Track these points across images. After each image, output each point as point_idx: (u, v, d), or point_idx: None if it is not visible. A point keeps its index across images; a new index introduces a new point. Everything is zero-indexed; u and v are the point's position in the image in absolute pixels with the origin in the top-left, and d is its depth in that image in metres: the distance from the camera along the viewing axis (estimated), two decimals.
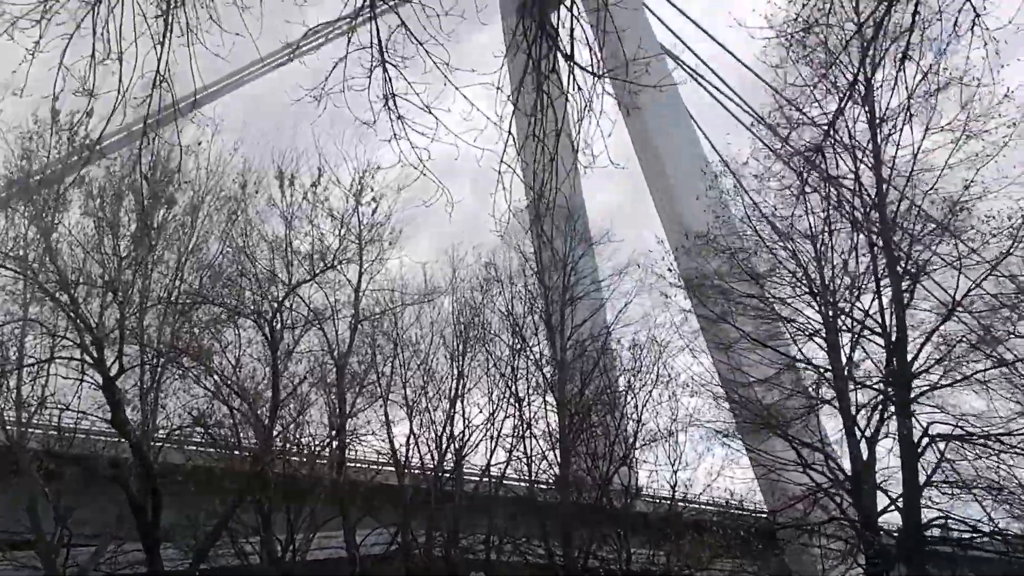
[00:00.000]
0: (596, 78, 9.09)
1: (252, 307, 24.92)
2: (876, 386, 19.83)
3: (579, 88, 8.56)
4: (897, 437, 20.02)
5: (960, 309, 17.81)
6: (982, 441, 19.79)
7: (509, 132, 9.40)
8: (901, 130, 17.02)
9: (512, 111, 9.40)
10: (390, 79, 9.32)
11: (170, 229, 23.38)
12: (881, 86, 17.08)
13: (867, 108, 17.64)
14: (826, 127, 16.69)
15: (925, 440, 20.12)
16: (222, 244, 24.89)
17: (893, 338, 18.57)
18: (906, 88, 14.32)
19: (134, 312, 22.03)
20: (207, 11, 8.07)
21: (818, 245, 20.58)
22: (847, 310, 21.54)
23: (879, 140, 17.70)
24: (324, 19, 9.05)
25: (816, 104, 16.94)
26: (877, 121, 17.56)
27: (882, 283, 18.29)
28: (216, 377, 24.40)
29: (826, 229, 19.87)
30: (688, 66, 41.38)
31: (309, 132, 26.08)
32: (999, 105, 17.69)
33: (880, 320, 18.40)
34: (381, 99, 9.30)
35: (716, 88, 39.30)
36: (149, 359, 22.99)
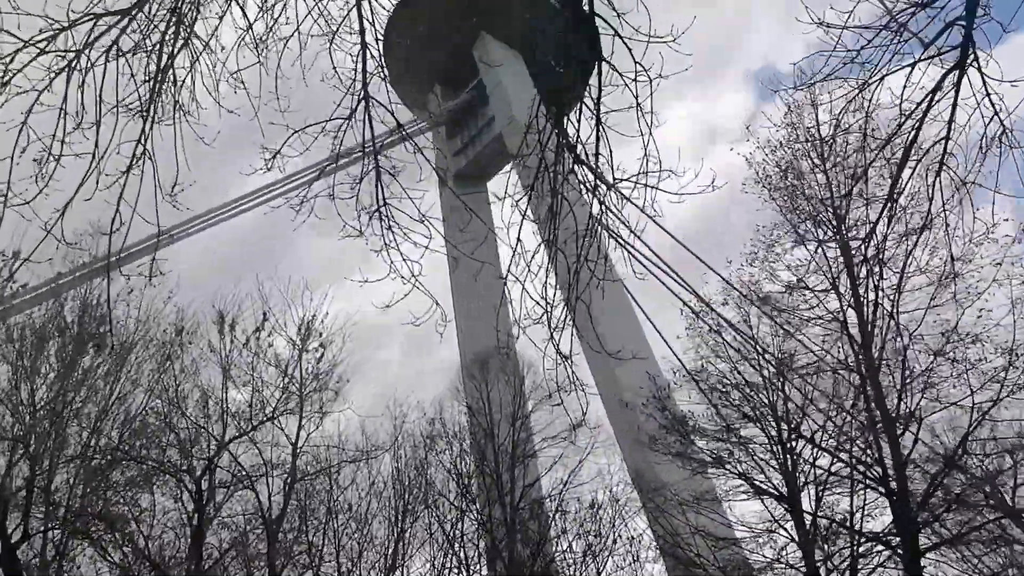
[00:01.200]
0: (609, 188, 8.68)
1: (179, 465, 22.67)
2: (884, 539, 18.33)
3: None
4: None
5: (959, 457, 17.03)
6: None
7: (519, 239, 8.78)
8: (880, 273, 16.70)
9: (519, 224, 8.78)
10: (383, 186, 8.69)
11: (94, 377, 21.37)
12: (857, 226, 17.17)
13: (843, 250, 17.51)
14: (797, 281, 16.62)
15: None
16: (147, 396, 22.90)
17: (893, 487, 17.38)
18: (876, 233, 14.16)
19: (44, 471, 19.67)
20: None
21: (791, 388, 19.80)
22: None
23: (856, 282, 17.38)
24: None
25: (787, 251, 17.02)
26: (855, 263, 17.31)
27: (879, 430, 17.48)
28: (130, 547, 21.76)
29: (809, 373, 19.17)
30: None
31: (253, 278, 25.00)
32: (978, 247, 16.98)
33: (881, 471, 17.29)
34: (370, 208, 8.68)
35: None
36: (57, 525, 20.37)
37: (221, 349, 23.55)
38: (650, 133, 7.45)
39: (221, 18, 7.51)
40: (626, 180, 7.94)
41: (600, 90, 7.79)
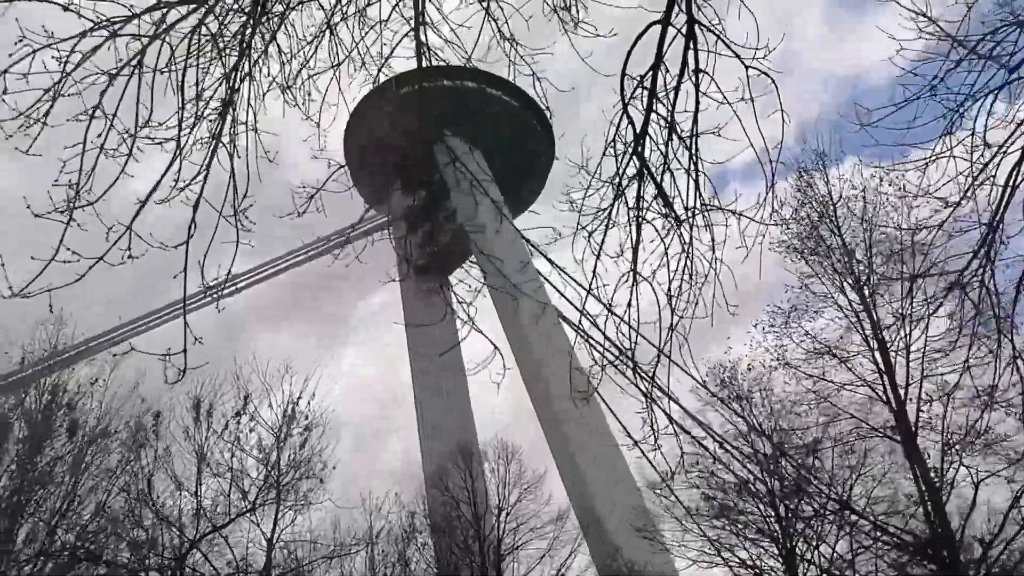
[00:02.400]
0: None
1: (147, 564, 20.85)
2: None
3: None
4: None
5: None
6: None
7: (594, 273, 8.31)
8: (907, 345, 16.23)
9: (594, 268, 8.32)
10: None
11: (60, 467, 19.74)
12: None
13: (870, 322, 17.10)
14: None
15: None
16: (113, 488, 21.20)
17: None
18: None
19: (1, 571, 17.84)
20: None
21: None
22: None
23: (886, 346, 16.87)
24: None
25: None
26: (881, 331, 16.91)
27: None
28: None
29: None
30: None
31: (231, 362, 23.81)
32: None
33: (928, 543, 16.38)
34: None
35: None
36: None
37: (195, 436, 22.07)
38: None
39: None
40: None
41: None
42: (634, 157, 8.02)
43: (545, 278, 59.59)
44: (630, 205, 8.05)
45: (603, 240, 8.29)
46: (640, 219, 8.13)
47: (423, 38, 7.87)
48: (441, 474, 28.86)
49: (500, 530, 26.01)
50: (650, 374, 7.60)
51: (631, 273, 8.18)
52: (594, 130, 8.03)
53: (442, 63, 7.64)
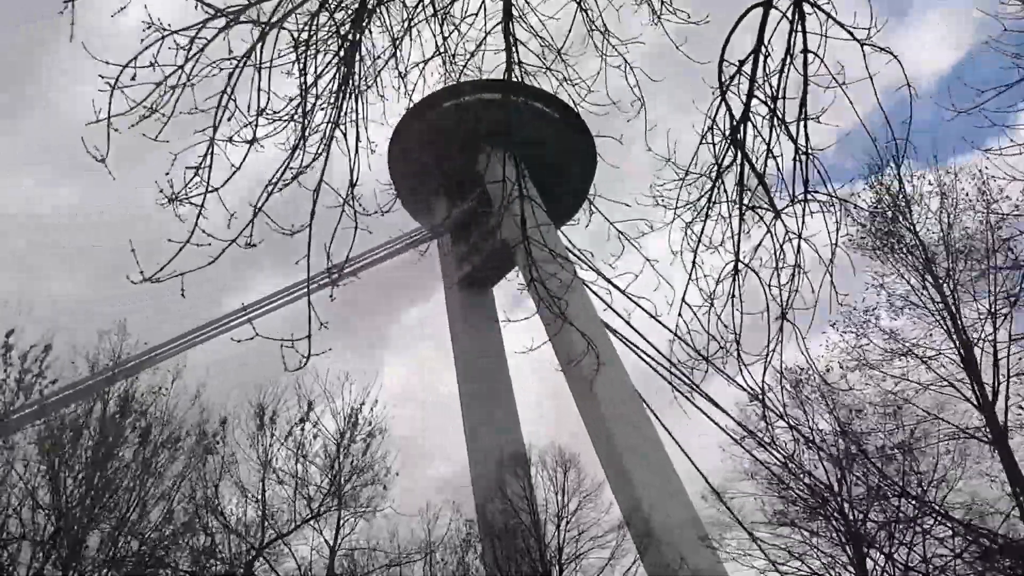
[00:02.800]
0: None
1: (213, 570, 21.01)
2: None
3: None
4: None
5: None
6: None
7: (693, 264, 8.11)
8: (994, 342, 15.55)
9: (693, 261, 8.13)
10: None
11: (128, 475, 19.94)
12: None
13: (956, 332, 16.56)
14: None
15: None
16: (179, 494, 21.39)
17: None
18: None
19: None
20: None
21: None
22: None
23: (971, 343, 16.24)
24: None
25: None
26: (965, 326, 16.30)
27: None
28: None
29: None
30: None
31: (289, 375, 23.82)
32: None
33: None
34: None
35: None
36: None
37: (259, 442, 22.24)
38: None
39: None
40: None
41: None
42: (731, 146, 7.85)
43: (589, 287, 59.25)
44: (729, 196, 7.87)
45: (701, 230, 8.09)
46: (743, 208, 7.93)
47: (512, 30, 7.82)
48: (498, 483, 28.66)
49: (560, 539, 25.77)
50: (756, 375, 7.36)
51: (734, 263, 7.97)
52: (667, 123, 7.86)
53: (529, 59, 7.46)
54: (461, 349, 57.81)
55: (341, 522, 22.51)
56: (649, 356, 55.83)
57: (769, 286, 7.74)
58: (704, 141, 7.95)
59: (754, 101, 7.55)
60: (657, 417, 46.94)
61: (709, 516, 25.72)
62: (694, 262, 7.93)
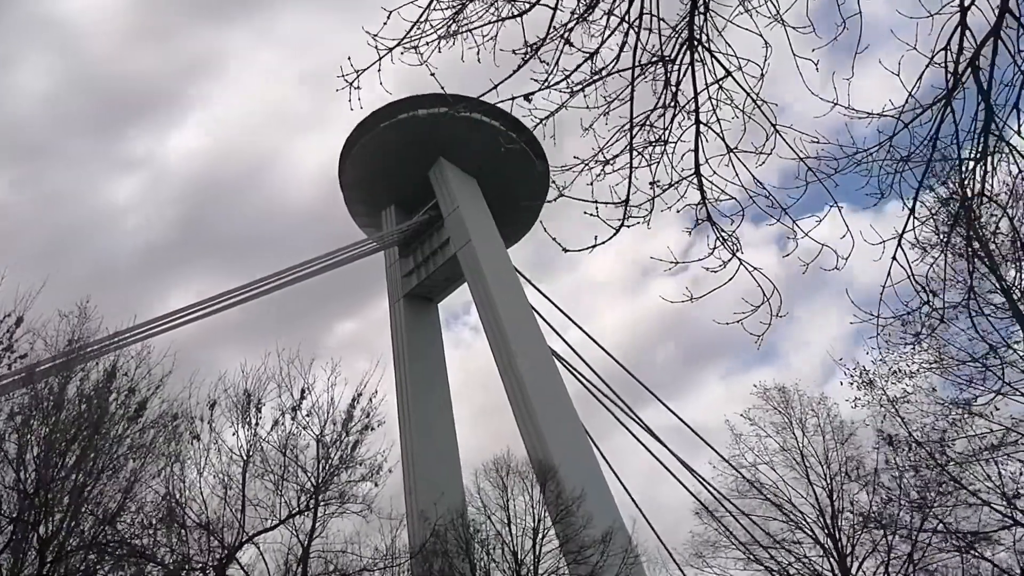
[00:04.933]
0: None
1: (190, 564, 19.78)
2: None
3: None
4: None
5: None
6: None
7: None
8: None
9: None
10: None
11: (110, 455, 18.58)
12: None
13: None
14: None
15: None
16: (158, 482, 20.15)
17: None
18: None
19: (54, 558, 16.71)
20: None
21: None
22: None
23: None
24: None
25: None
26: None
27: None
28: None
29: None
30: None
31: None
32: None
33: None
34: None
35: None
36: None
37: (241, 434, 21.15)
38: None
39: None
40: None
41: None
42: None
43: (538, 313, 59.29)
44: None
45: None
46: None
47: None
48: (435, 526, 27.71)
49: (537, 552, 25.41)
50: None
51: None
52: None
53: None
54: (403, 363, 56.81)
55: (317, 524, 21.50)
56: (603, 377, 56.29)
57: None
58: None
59: None
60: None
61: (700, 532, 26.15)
62: None
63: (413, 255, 62.35)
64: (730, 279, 7.25)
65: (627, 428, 56.71)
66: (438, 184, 61.36)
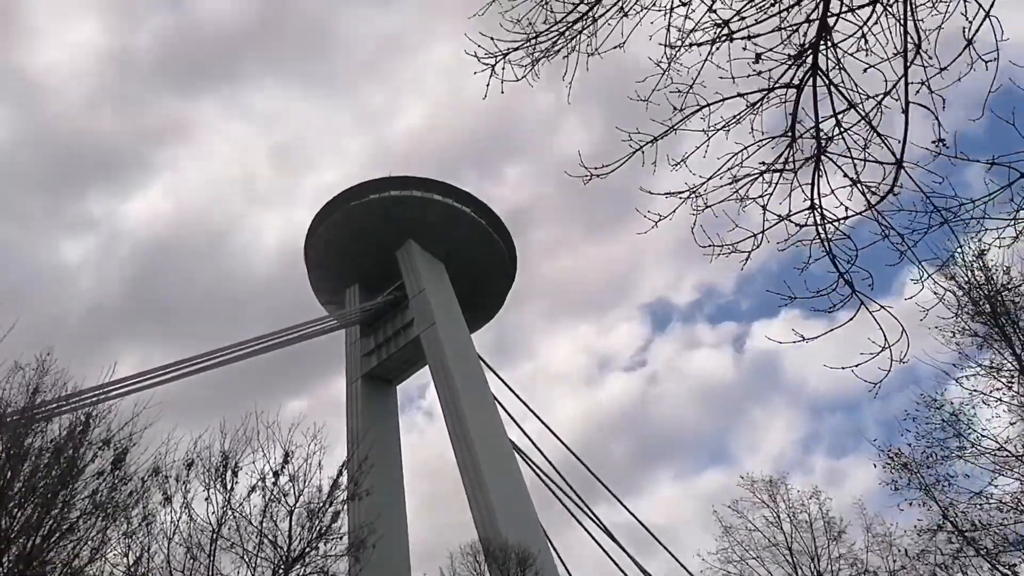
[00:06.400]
0: None
1: None
2: None
3: None
4: None
5: None
6: None
7: None
8: None
9: None
10: None
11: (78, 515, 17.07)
12: None
13: None
14: None
15: None
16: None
17: None
18: None
19: None
20: None
21: None
22: None
23: None
24: None
25: None
26: None
27: None
28: None
29: None
30: None
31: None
32: None
33: None
34: None
35: None
36: None
37: (213, 502, 19.74)
38: None
39: None
40: None
41: None
42: None
43: (500, 404, 58.36)
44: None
45: None
46: None
47: None
48: None
49: None
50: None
51: None
52: None
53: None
54: (356, 444, 55.17)
55: None
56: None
57: None
58: None
59: None
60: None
61: None
62: None
63: (375, 335, 61.42)
64: (850, 319, 6.97)
65: (581, 524, 55.56)
66: (405, 265, 61.08)
